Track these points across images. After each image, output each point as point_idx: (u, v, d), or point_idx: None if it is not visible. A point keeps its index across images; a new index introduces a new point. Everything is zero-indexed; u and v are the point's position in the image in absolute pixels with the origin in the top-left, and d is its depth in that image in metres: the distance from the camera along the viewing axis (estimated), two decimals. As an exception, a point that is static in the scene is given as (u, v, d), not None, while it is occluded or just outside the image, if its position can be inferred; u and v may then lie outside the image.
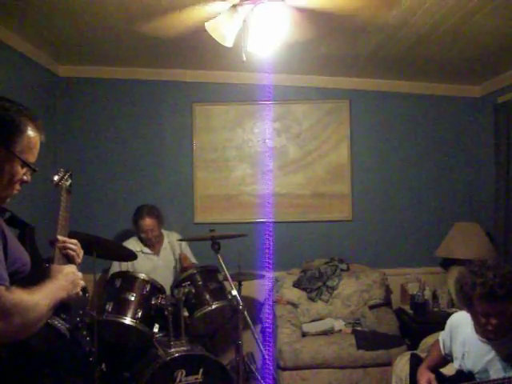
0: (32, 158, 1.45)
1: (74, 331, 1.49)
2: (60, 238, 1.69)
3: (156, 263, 3.71)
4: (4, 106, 1.39)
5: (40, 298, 1.29)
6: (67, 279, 1.44)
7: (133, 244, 3.71)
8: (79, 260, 1.69)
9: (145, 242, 3.73)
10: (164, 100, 4.30)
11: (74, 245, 1.70)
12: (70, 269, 1.51)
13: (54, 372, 1.42)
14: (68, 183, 1.83)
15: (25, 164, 1.41)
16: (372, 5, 2.69)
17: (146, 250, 3.72)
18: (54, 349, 1.41)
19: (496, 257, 3.75)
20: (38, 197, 3.33)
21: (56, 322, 1.42)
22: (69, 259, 1.65)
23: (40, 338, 1.32)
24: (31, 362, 1.35)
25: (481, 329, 2.07)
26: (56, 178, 1.79)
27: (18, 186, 1.44)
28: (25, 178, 1.44)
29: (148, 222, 3.65)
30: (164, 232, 3.84)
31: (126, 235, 4.01)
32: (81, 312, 1.56)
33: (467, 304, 2.05)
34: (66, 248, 1.67)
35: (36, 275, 1.41)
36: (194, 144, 4.31)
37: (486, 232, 3.98)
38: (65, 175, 1.84)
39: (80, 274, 1.54)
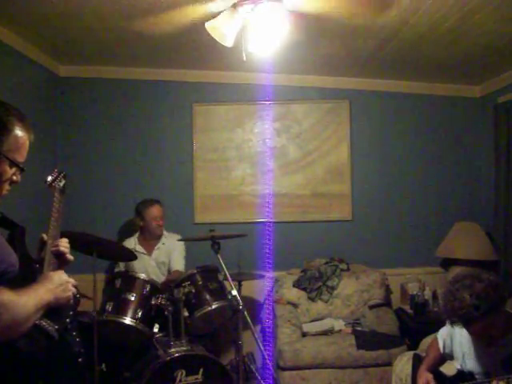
0: (20, 157, 1.43)
1: (63, 332, 1.48)
2: (52, 240, 1.67)
3: (147, 263, 3.73)
4: None
5: (28, 299, 1.29)
6: (54, 283, 1.43)
7: (130, 241, 3.78)
8: (71, 257, 1.67)
9: (154, 232, 3.75)
10: (164, 100, 4.30)
11: (64, 243, 1.68)
12: (58, 274, 1.49)
13: (43, 373, 1.41)
14: (61, 184, 1.81)
15: (13, 163, 1.40)
16: (367, 9, 2.70)
17: (140, 248, 3.76)
18: (42, 350, 1.40)
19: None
20: (35, 197, 3.31)
21: (44, 323, 1.41)
22: (60, 258, 1.63)
23: (28, 340, 1.31)
24: (19, 364, 1.34)
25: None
26: (49, 178, 1.77)
27: (7, 186, 1.42)
28: (14, 178, 1.43)
29: (157, 209, 3.77)
30: (164, 232, 3.86)
31: (126, 235, 4.02)
32: (70, 313, 1.55)
33: (453, 326, 2.08)
34: (57, 246, 1.65)
35: (26, 276, 1.41)
36: (194, 144, 4.31)
37: (486, 232, 3.97)
38: (58, 176, 1.83)
39: (70, 280, 1.52)
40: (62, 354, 1.49)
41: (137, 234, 3.87)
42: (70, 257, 1.67)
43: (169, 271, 3.81)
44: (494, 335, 2.01)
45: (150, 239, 3.82)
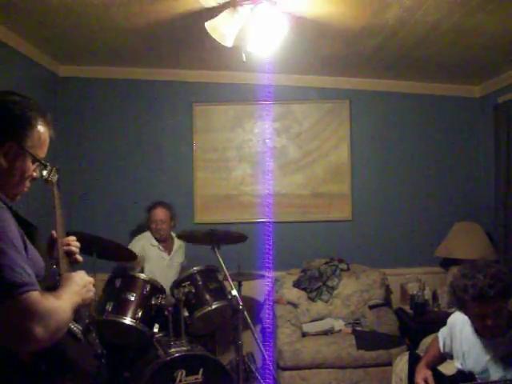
0: (42, 153, 1.41)
1: (86, 334, 1.46)
2: (60, 238, 1.64)
3: (165, 262, 3.74)
4: (15, 100, 1.35)
5: (65, 303, 1.28)
6: (78, 284, 1.41)
7: (147, 238, 3.75)
8: (80, 258, 1.65)
9: (154, 235, 3.75)
10: (164, 100, 4.30)
11: (74, 242, 1.66)
12: (80, 275, 1.47)
13: (74, 377, 1.39)
14: (55, 178, 1.79)
15: (36, 159, 1.38)
16: (361, 14, 2.70)
17: (161, 246, 3.76)
18: (72, 353, 1.38)
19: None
20: (35, 197, 3.30)
21: (72, 326, 1.38)
22: (69, 258, 1.61)
23: (60, 343, 1.27)
24: (54, 368, 1.31)
25: (478, 328, 2.09)
26: (45, 172, 1.68)
27: (28, 183, 1.41)
28: (34, 174, 1.42)
29: (159, 212, 3.73)
30: (174, 235, 3.85)
31: (126, 235, 4.01)
32: (87, 313, 1.52)
33: (461, 307, 2.08)
34: (69, 245, 1.62)
35: (48, 278, 1.38)
36: (194, 144, 4.31)
37: (486, 232, 3.97)
38: (52, 169, 1.79)
39: (90, 279, 1.50)
40: (87, 355, 1.46)
41: (149, 232, 3.82)
42: (79, 257, 1.65)
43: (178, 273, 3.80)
44: (499, 325, 2.01)
45: (160, 240, 3.79)
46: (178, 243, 3.83)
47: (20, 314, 1.14)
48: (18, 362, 1.19)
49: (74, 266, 1.63)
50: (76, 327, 1.41)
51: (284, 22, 2.55)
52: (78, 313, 1.40)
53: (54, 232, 1.65)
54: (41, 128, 1.38)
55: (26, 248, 1.26)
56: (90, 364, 1.48)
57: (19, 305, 1.14)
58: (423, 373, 2.29)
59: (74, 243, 1.65)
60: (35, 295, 1.17)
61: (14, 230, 1.23)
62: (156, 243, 3.75)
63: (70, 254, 1.62)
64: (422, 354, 2.50)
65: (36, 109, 1.38)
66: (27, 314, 1.14)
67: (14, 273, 1.15)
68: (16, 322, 1.14)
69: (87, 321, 1.50)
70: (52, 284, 1.39)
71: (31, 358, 1.21)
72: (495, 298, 1.96)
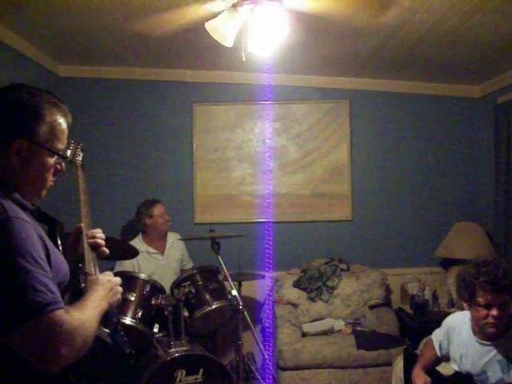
0: (61, 144, 1.34)
1: (114, 334, 1.40)
2: (88, 230, 1.56)
3: (161, 262, 3.71)
4: (21, 95, 1.27)
5: (91, 314, 1.23)
6: (105, 288, 1.35)
7: (137, 244, 3.67)
8: (107, 250, 1.57)
9: (159, 229, 3.73)
10: (164, 100, 4.30)
11: (100, 234, 1.58)
12: (106, 277, 1.40)
13: (104, 382, 1.35)
14: (80, 158, 1.67)
15: (53, 153, 1.31)
16: (367, 8, 2.70)
17: (151, 249, 3.71)
18: (100, 359, 1.33)
19: (497, 255, 3.76)
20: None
21: (99, 331, 1.31)
22: (96, 251, 1.54)
23: (88, 352, 1.22)
24: (83, 378, 1.27)
25: (481, 323, 2.06)
26: (69, 152, 1.56)
27: (51, 177, 1.34)
28: (58, 167, 1.35)
29: (162, 206, 3.74)
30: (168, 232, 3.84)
31: (125, 234, 4.01)
32: (115, 311, 1.46)
33: (469, 295, 2.06)
34: (94, 238, 1.54)
35: (73, 279, 1.34)
36: (194, 144, 4.31)
37: (486, 232, 3.97)
38: (76, 148, 1.66)
39: (117, 280, 1.43)
40: (115, 357, 1.41)
41: (139, 236, 3.78)
42: (106, 250, 1.56)
43: (178, 268, 3.80)
44: (500, 322, 2.01)
45: (158, 238, 3.76)
46: (170, 240, 3.79)
47: (44, 336, 1.09)
48: (46, 375, 1.14)
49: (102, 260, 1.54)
50: (103, 331, 1.36)
51: (284, 21, 2.55)
52: (105, 317, 1.34)
53: (80, 225, 1.56)
54: (54, 118, 1.31)
55: (48, 256, 1.20)
56: (117, 366, 1.43)
57: (43, 326, 1.09)
58: (423, 378, 2.28)
59: (99, 235, 1.57)
60: (59, 315, 1.12)
61: (36, 243, 1.17)
62: (145, 249, 3.68)
63: (95, 248, 1.54)
64: (418, 353, 2.49)
65: (46, 100, 1.31)
66: (51, 336, 1.10)
67: (36, 292, 1.10)
68: (40, 344, 1.09)
69: (115, 319, 1.44)
70: (78, 287, 1.34)
71: (58, 370, 1.17)
72: (505, 290, 1.97)
